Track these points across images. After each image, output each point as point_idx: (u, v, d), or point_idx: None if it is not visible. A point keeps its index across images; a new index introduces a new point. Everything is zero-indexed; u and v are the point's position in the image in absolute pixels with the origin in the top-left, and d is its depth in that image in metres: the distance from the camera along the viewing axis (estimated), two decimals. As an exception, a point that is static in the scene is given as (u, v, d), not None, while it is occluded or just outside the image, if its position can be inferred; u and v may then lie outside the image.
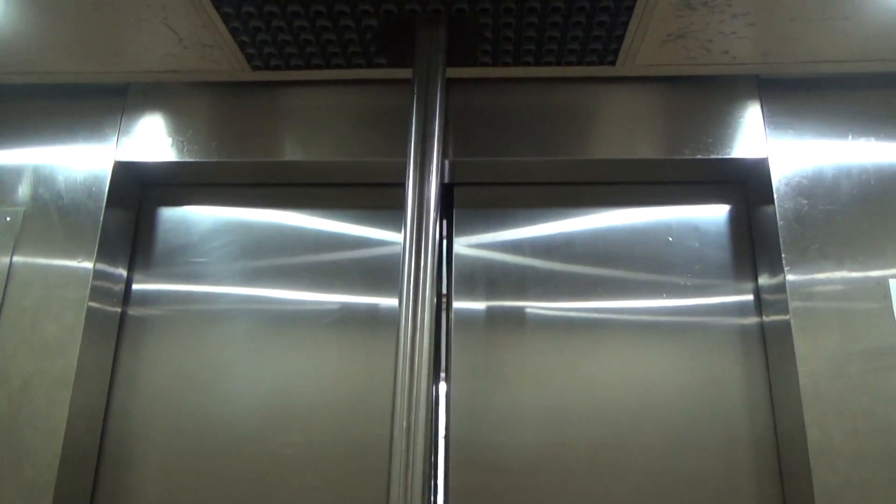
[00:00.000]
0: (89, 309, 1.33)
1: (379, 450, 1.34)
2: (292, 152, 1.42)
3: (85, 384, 1.33)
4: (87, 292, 1.33)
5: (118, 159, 1.43)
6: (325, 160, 1.41)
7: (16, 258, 1.37)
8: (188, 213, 1.54)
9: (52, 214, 1.39)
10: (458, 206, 1.49)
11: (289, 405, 1.38)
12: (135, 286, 1.49)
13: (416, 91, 1.23)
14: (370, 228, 1.49)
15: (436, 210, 1.15)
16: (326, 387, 1.39)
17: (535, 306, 1.41)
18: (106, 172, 1.42)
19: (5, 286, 1.35)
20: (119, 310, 1.45)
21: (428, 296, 1.10)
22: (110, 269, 1.42)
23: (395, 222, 1.49)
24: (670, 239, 1.45)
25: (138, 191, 1.51)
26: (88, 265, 1.35)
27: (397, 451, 1.02)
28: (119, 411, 1.41)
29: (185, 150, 1.43)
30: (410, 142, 1.21)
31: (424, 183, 1.17)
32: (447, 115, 1.41)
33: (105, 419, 1.40)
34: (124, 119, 1.46)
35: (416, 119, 1.21)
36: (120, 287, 1.46)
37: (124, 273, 1.46)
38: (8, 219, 1.39)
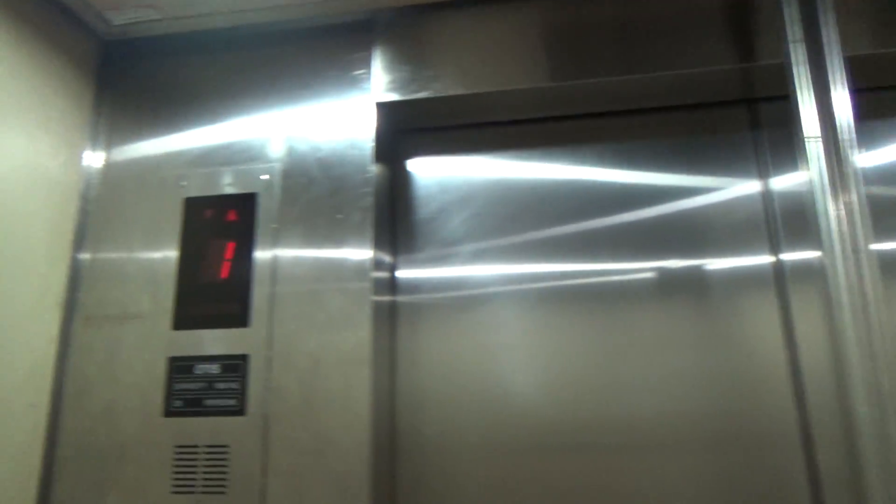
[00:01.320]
0: (374, 278, 1.14)
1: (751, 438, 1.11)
2: (583, 70, 1.18)
3: (379, 362, 1.14)
4: (371, 254, 1.13)
5: (378, 100, 1.22)
6: (634, 76, 1.16)
7: (281, 224, 1.18)
8: (451, 161, 1.32)
9: (311, 168, 1.20)
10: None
11: (602, 389, 1.16)
12: (400, 255, 1.29)
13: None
14: (690, 174, 1.24)
15: (849, 128, 0.89)
16: (647, 367, 1.16)
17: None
18: (367, 115, 1.21)
19: (274, 249, 1.17)
20: (388, 274, 1.26)
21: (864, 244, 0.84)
22: (382, 236, 1.22)
23: (723, 160, 1.24)
24: None
25: (397, 136, 1.30)
26: (368, 231, 1.15)
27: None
28: (405, 393, 1.22)
29: (443, 83, 1.21)
30: (788, 37, 0.94)
31: (826, 91, 0.91)
32: None
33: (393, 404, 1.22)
34: (375, 55, 1.24)
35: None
36: (390, 258, 1.26)
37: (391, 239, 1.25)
38: (265, 177, 1.21)
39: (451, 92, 1.21)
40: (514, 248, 1.26)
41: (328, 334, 1.12)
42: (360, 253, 1.14)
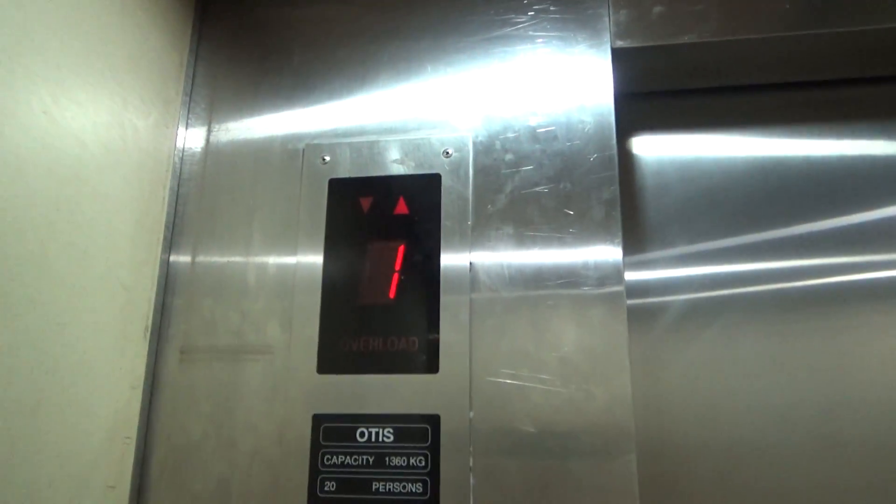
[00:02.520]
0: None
1: None
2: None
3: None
4: (620, 260, 0.76)
5: (617, 46, 0.84)
6: None
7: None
8: (691, 140, 0.95)
9: (520, 142, 0.82)
10: None
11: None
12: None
13: None
14: None
15: None
16: None
17: None
18: (602, 69, 0.83)
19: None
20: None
21: None
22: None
23: None
24: None
25: (627, 102, 0.92)
26: (615, 232, 0.77)
27: None
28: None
29: (712, 24, 0.83)
30: None
31: None
32: None
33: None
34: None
35: None
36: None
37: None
38: (451, 151, 0.82)
39: (723, 36, 0.83)
40: (763, 245, 0.88)
41: (568, 381, 0.73)
42: (605, 253, 0.76)
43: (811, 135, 0.93)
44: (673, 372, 0.87)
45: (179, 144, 0.88)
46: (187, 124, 0.90)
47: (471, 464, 0.73)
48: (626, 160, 0.94)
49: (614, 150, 0.80)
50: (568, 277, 0.77)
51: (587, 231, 0.78)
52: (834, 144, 0.91)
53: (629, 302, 0.87)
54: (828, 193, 0.90)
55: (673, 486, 0.84)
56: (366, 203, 0.84)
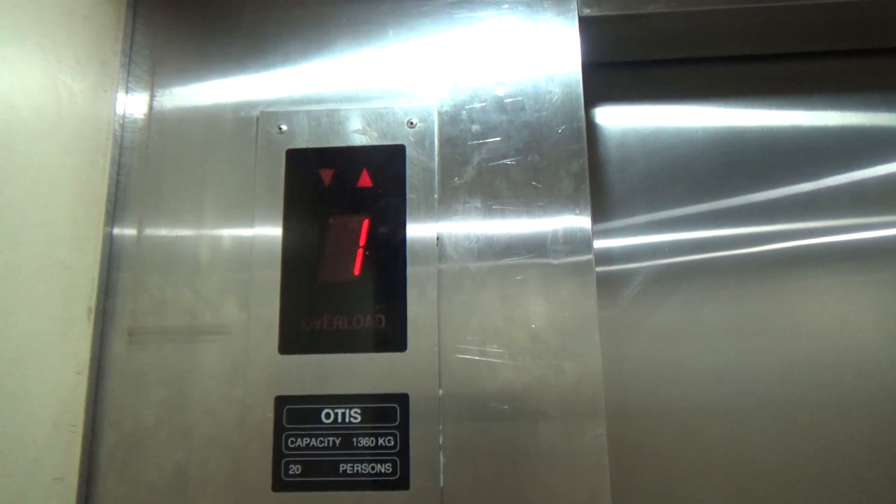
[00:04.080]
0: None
1: None
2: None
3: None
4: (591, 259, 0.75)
5: (584, 15, 0.82)
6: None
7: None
8: (653, 111, 0.95)
9: (487, 112, 0.79)
10: None
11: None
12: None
13: None
14: None
15: None
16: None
17: None
18: (569, 37, 0.82)
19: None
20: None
21: None
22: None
23: None
24: None
25: (592, 72, 0.90)
26: (584, 206, 0.76)
27: None
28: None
29: None
30: None
31: None
32: None
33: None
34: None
35: None
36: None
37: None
38: (415, 121, 0.79)
39: (689, 7, 0.82)
40: (724, 213, 0.90)
41: (538, 355, 0.73)
42: (573, 227, 0.75)
43: (770, 106, 0.94)
44: (638, 335, 0.87)
45: (120, 110, 0.82)
46: (127, 88, 0.83)
47: (441, 442, 0.72)
48: (591, 131, 0.93)
49: (583, 122, 0.79)
50: (536, 251, 0.76)
51: (556, 204, 0.77)
52: (792, 115, 0.93)
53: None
54: (785, 163, 0.92)
55: (639, 449, 0.85)
56: (327, 175, 0.80)
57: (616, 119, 0.95)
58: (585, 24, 0.82)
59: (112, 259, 0.78)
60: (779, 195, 0.91)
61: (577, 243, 0.76)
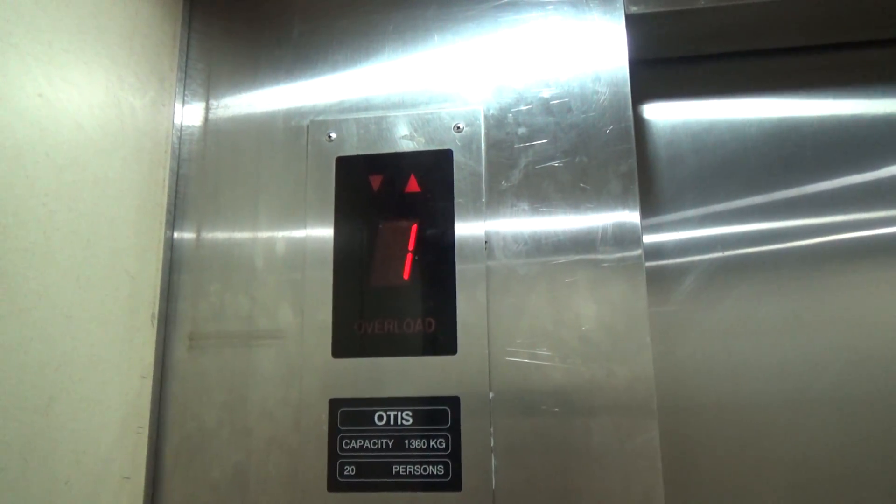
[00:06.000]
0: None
1: None
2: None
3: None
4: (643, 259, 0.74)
5: (630, 12, 0.81)
6: None
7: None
8: (703, 107, 0.92)
9: (533, 114, 0.79)
10: None
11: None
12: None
13: None
14: None
15: None
16: None
17: None
18: (616, 36, 0.80)
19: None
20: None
21: None
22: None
23: None
24: None
25: (639, 70, 0.89)
26: (633, 207, 0.75)
27: None
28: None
29: None
30: None
31: None
32: None
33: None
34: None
35: None
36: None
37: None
38: (462, 126, 0.79)
39: (738, 0, 0.80)
40: (781, 204, 0.87)
41: (588, 358, 0.72)
42: (623, 227, 0.75)
43: (826, 96, 0.91)
44: (694, 330, 0.86)
45: (177, 123, 0.85)
46: (184, 101, 0.87)
47: (492, 444, 0.72)
48: (639, 129, 0.92)
49: (630, 122, 0.78)
50: (585, 250, 0.75)
51: (604, 205, 0.76)
52: (850, 104, 0.90)
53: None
54: (845, 154, 0.89)
55: (695, 448, 0.84)
56: (375, 181, 0.81)
57: (665, 116, 0.93)
58: (632, 21, 0.81)
59: (173, 268, 0.81)
60: (839, 185, 0.88)
61: (626, 243, 0.75)
